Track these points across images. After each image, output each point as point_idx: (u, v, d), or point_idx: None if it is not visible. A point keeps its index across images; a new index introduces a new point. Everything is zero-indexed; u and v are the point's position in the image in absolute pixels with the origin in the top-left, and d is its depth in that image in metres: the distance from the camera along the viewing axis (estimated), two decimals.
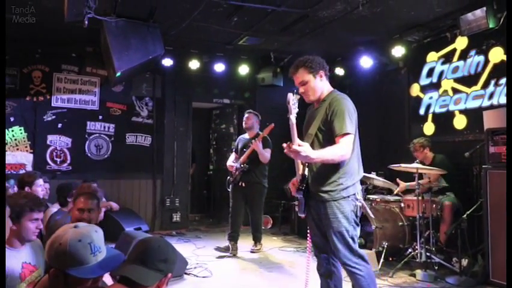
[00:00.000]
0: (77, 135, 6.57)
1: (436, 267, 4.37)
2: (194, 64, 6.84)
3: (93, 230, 1.77)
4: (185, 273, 4.42)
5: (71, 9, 4.18)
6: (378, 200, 5.23)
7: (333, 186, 2.68)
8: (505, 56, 4.69)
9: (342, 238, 2.66)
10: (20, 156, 6.18)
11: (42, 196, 3.97)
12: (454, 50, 5.40)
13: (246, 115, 5.57)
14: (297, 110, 2.62)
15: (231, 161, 5.56)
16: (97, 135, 6.72)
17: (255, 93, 7.76)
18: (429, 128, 5.75)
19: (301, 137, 2.71)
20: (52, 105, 6.42)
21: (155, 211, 7.07)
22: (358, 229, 2.75)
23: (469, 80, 5.18)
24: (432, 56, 5.73)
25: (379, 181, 5.28)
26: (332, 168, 2.68)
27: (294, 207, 6.44)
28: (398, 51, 5.78)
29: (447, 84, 5.50)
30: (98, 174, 6.37)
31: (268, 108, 7.07)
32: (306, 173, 2.78)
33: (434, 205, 4.67)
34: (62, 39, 6.07)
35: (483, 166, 4.25)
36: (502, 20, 4.52)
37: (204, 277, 4.40)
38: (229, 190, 5.52)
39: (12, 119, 6.15)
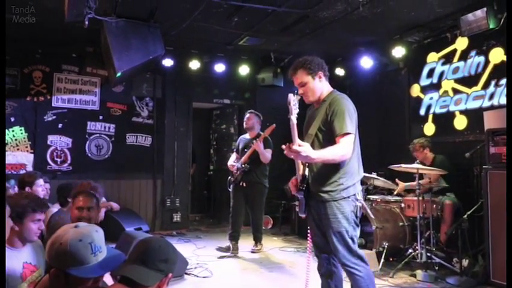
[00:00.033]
0: (77, 135, 6.57)
1: (437, 268, 4.37)
2: (194, 64, 6.85)
3: (94, 229, 1.78)
4: (186, 274, 4.42)
5: (72, 10, 4.19)
6: (379, 200, 5.23)
7: (333, 186, 2.68)
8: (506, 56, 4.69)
9: (342, 238, 2.66)
10: (20, 157, 6.19)
11: (43, 196, 3.98)
12: (455, 50, 5.40)
13: (247, 115, 5.57)
14: (297, 110, 2.62)
15: (232, 161, 5.57)
16: (98, 135, 6.72)
17: (255, 94, 7.76)
18: (429, 129, 5.75)
19: (301, 137, 2.70)
20: (53, 105, 6.42)
21: (155, 211, 7.07)
22: (358, 230, 2.74)
23: (470, 81, 5.18)
24: (432, 57, 5.73)
25: (379, 181, 5.28)
26: (332, 169, 2.68)
27: (295, 207, 6.44)
28: (399, 51, 5.78)
29: (447, 84, 5.50)
30: (98, 174, 6.37)
31: (269, 108, 7.07)
32: (307, 173, 2.78)
33: (434, 205, 4.67)
34: (63, 39, 6.08)
35: (483, 166, 4.25)
36: (502, 20, 4.53)
37: (204, 277, 4.40)
38: (230, 190, 5.54)
39: (12, 119, 6.16)
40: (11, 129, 6.14)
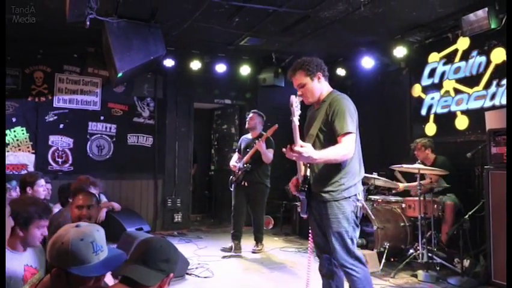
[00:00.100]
0: (78, 135, 6.57)
1: (438, 268, 4.36)
2: (195, 65, 6.85)
3: (95, 229, 1.78)
4: (187, 274, 4.42)
5: (73, 10, 4.19)
6: (380, 200, 5.22)
7: (334, 186, 2.68)
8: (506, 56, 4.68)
9: (341, 239, 2.66)
10: (22, 157, 6.19)
11: (44, 196, 3.98)
12: (456, 50, 5.39)
13: (250, 115, 5.58)
14: (299, 112, 2.62)
15: (234, 161, 5.59)
16: (99, 135, 6.72)
17: (256, 94, 7.76)
18: (431, 129, 5.75)
19: (302, 138, 2.70)
20: (54, 105, 6.42)
21: (156, 211, 7.07)
22: (357, 230, 2.75)
23: (471, 81, 5.17)
24: (434, 57, 5.72)
25: (380, 181, 5.27)
26: (333, 169, 2.68)
27: (296, 207, 6.45)
28: (400, 51, 5.77)
29: (449, 84, 5.50)
30: (99, 174, 6.32)
31: (270, 108, 7.06)
32: (308, 173, 2.78)
33: (435, 205, 4.66)
34: (64, 39, 6.08)
35: (485, 167, 4.24)
36: (503, 20, 4.52)
37: (205, 277, 4.40)
38: (232, 189, 5.55)
39: (14, 120, 6.16)
40: (12, 130, 6.15)
